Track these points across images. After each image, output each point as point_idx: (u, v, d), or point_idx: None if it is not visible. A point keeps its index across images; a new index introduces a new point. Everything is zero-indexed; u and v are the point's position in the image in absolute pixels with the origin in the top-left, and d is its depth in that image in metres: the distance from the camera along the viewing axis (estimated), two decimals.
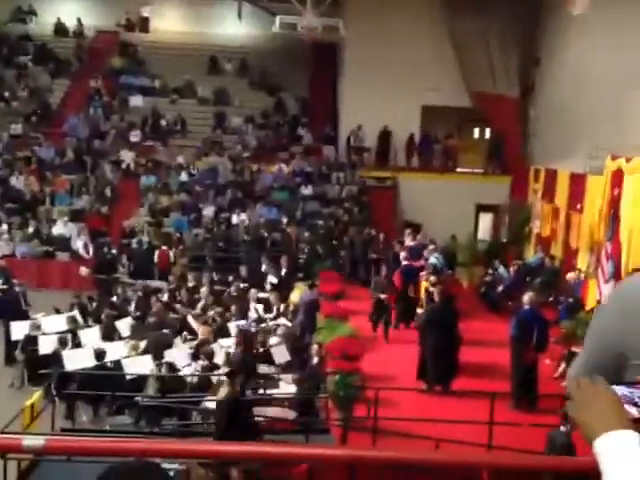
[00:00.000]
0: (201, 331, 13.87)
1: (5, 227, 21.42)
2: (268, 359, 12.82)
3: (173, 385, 11.68)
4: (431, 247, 18.55)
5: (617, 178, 15.76)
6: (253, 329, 14.44)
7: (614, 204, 15.15)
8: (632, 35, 17.66)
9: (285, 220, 22.67)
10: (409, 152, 26.01)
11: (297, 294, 16.26)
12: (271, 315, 15.80)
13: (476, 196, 24.83)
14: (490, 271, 19.05)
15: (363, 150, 26.16)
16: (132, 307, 16.24)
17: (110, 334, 13.94)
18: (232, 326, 14.60)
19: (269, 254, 19.85)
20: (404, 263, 16.46)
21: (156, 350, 12.56)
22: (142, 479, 1.46)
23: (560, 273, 18.10)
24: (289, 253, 19.70)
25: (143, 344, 13.02)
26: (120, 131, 26.03)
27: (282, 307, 16.01)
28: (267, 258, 19.29)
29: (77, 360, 12.41)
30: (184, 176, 24.54)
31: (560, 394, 11.40)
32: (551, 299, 16.40)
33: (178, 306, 16.22)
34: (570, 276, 16.51)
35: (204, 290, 16.73)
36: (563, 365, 12.66)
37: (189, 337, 14.15)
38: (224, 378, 9.63)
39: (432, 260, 17.59)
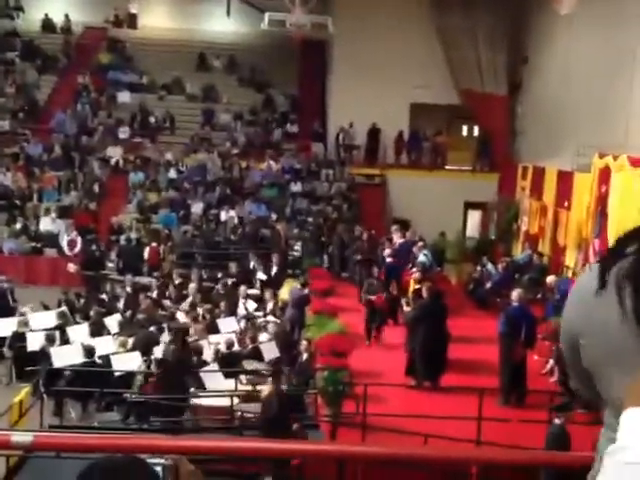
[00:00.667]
0: (194, 329, 13.85)
1: None
2: (257, 355, 12.82)
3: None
4: (420, 244, 18.58)
5: (604, 175, 15.86)
6: (243, 326, 14.45)
7: (601, 201, 15.24)
8: (618, 33, 17.75)
9: (274, 217, 22.66)
10: (398, 149, 26.05)
11: (286, 291, 16.27)
12: (261, 313, 15.80)
13: (465, 193, 24.91)
14: (478, 268, 19.10)
15: (353, 148, 26.18)
16: (121, 304, 16.20)
17: (99, 331, 13.91)
18: (221, 323, 14.61)
19: (258, 251, 19.85)
20: (388, 260, 16.49)
21: (144, 347, 12.54)
22: (126, 475, 1.43)
23: (548, 270, 18.17)
24: (279, 250, 19.69)
25: (131, 341, 12.99)
26: (108, 127, 25.94)
27: (272, 304, 16.01)
28: (255, 255, 19.28)
29: (65, 357, 12.37)
30: (173, 173, 24.48)
31: (548, 390, 11.49)
32: (539, 296, 16.47)
33: (167, 303, 16.20)
34: (550, 279, 16.43)
35: (192, 287, 16.72)
36: (551, 361, 12.73)
37: None
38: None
39: (421, 258, 17.62)
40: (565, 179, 19.33)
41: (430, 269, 17.29)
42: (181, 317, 14.94)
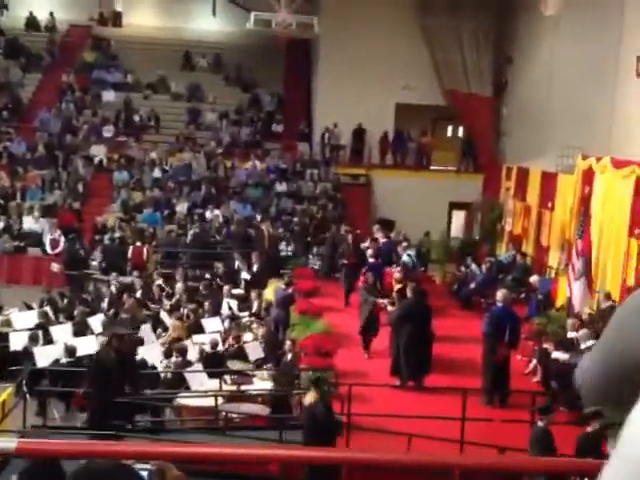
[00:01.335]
0: (174, 327, 13.83)
1: None
2: (242, 355, 12.81)
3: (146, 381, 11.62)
4: (404, 244, 18.61)
5: (588, 177, 15.97)
6: (227, 325, 14.42)
7: (585, 202, 15.34)
8: (603, 35, 17.89)
9: (259, 217, 22.63)
10: (383, 150, 26.11)
11: (271, 291, 16.25)
12: (246, 313, 15.78)
13: (449, 194, 25.01)
14: (463, 268, 19.19)
15: (339, 148, 26.21)
16: (105, 303, 16.12)
17: (82, 331, 13.83)
18: (205, 322, 14.58)
19: (243, 250, 19.81)
20: (370, 260, 16.51)
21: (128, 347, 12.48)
22: (111, 479, 1.42)
23: (531, 270, 18.29)
24: (261, 249, 19.63)
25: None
26: (92, 126, 25.81)
27: (257, 304, 16.00)
28: (240, 255, 19.26)
29: (49, 356, 12.31)
30: (157, 172, 24.40)
31: (531, 390, 11.55)
32: (522, 296, 16.57)
33: (150, 303, 16.15)
34: (534, 279, 16.67)
35: (178, 286, 16.68)
36: (534, 361, 12.81)
37: (163, 334, 14.10)
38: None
39: (404, 258, 17.66)
40: (549, 180, 19.45)
41: (413, 269, 17.32)
42: (164, 317, 14.90)
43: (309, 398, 8.96)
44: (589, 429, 8.30)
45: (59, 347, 12.55)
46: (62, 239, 20.71)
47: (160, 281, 17.30)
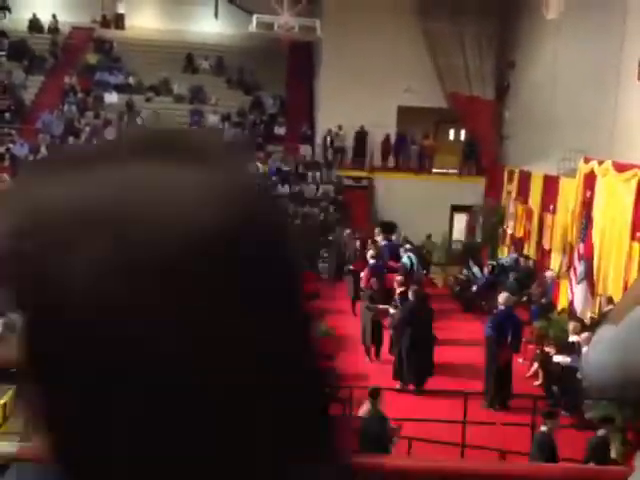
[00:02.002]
0: None
1: None
2: None
3: None
4: (407, 246, 18.62)
5: (590, 180, 15.98)
6: None
7: (587, 206, 15.35)
8: (605, 38, 17.89)
9: None
10: (385, 152, 26.10)
11: None
12: None
13: (451, 196, 24.99)
14: (465, 271, 19.19)
15: (342, 150, 26.22)
16: None
17: None
18: None
19: None
20: (371, 262, 16.52)
21: None
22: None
23: (533, 273, 18.29)
24: None
25: None
26: (95, 128, 25.85)
27: None
28: None
29: None
30: None
31: (532, 394, 11.55)
32: (524, 299, 16.57)
33: None
34: (549, 274, 16.72)
35: None
36: (535, 365, 12.81)
37: None
38: None
39: (404, 260, 17.66)
40: (551, 183, 19.45)
41: (412, 271, 17.32)
42: None
43: (364, 409, 9.01)
44: (599, 433, 8.28)
45: None
46: None
47: None
